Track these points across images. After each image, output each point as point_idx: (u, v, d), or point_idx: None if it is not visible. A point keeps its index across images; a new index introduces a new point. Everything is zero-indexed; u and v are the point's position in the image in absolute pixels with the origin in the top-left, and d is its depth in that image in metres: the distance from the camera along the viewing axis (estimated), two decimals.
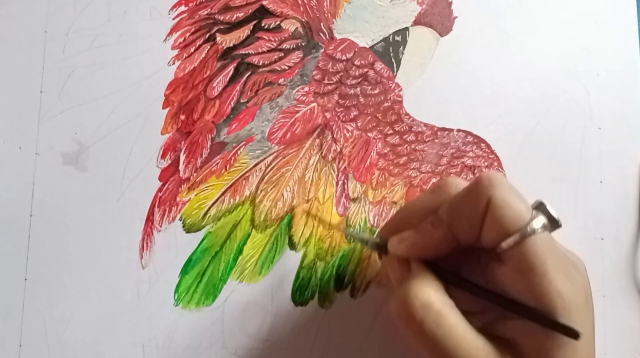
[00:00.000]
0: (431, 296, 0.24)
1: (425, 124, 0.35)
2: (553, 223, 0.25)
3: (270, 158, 0.34)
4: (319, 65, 0.35)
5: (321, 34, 0.35)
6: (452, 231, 0.25)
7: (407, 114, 0.35)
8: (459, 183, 0.27)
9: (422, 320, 0.23)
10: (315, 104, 0.35)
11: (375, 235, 0.32)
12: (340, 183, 0.34)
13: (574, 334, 0.22)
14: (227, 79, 0.34)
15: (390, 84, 0.35)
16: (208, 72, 0.34)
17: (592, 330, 0.25)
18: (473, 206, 0.24)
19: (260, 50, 0.34)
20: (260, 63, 0.34)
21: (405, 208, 0.30)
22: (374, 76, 0.35)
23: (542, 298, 0.23)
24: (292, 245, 0.33)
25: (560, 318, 0.23)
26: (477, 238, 0.25)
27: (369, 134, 0.35)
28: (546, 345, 0.23)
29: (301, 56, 0.35)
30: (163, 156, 0.33)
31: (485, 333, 0.25)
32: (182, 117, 0.33)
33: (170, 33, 0.34)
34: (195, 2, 0.35)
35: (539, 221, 0.24)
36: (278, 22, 0.35)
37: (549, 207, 0.25)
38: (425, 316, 0.23)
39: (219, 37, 0.34)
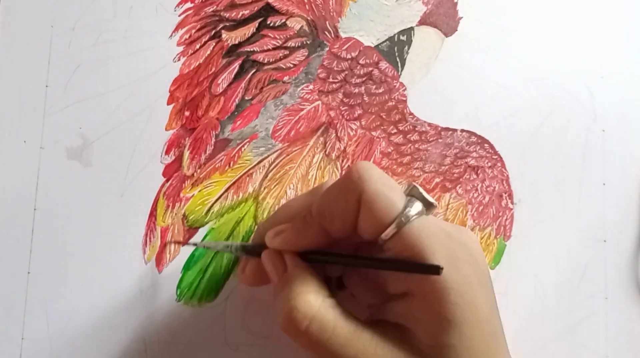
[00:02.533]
0: (310, 301, 0.24)
1: (429, 124, 0.35)
2: (428, 206, 0.24)
3: (274, 155, 0.34)
4: (324, 63, 0.35)
5: (326, 33, 0.35)
6: (324, 227, 0.25)
7: (411, 113, 0.35)
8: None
9: (307, 330, 0.23)
10: (319, 102, 0.35)
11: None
12: None
13: (435, 269, 0.23)
14: (232, 76, 0.34)
15: (395, 84, 0.35)
16: (213, 69, 0.34)
17: (490, 306, 0.24)
18: (343, 203, 0.24)
19: (265, 47, 0.35)
20: (265, 61, 0.34)
21: (284, 206, 0.29)
22: (379, 75, 0.35)
23: (423, 285, 0.23)
24: None
25: (446, 304, 0.23)
26: (352, 232, 0.25)
27: (373, 133, 0.35)
28: (434, 328, 0.23)
29: (306, 54, 0.35)
30: (167, 152, 0.33)
31: (376, 320, 0.25)
32: (187, 113, 0.34)
33: (176, 29, 0.34)
34: None
35: (414, 207, 0.24)
36: (283, 20, 0.35)
37: (421, 190, 0.25)
38: (309, 325, 0.23)
39: (224, 34, 0.34)
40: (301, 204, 0.27)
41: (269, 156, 0.34)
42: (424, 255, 0.23)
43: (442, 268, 0.23)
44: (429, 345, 0.23)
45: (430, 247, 0.23)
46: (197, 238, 0.33)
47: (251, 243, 0.30)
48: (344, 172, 0.34)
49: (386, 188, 0.24)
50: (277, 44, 0.35)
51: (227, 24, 0.35)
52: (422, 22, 0.36)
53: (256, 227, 0.29)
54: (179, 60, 0.34)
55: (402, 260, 0.24)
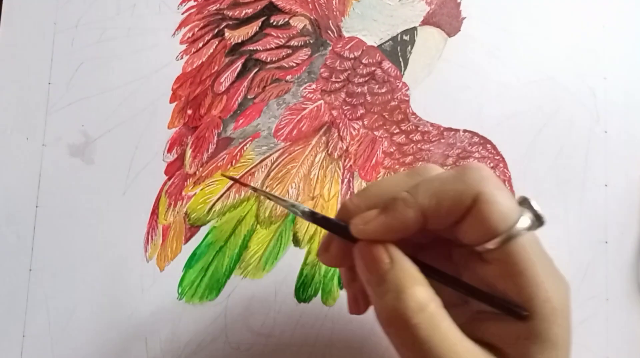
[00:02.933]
0: (427, 299, 0.22)
1: (432, 124, 0.35)
2: (539, 221, 0.23)
3: (276, 154, 0.34)
4: (327, 63, 0.35)
5: (329, 32, 0.35)
6: (423, 213, 0.23)
7: (413, 113, 0.35)
8: (439, 170, 0.25)
9: (417, 325, 0.21)
10: (322, 101, 0.35)
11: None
12: (345, 180, 0.34)
13: (521, 315, 0.22)
14: (235, 74, 0.34)
15: (398, 83, 0.35)
16: (216, 68, 0.34)
17: (570, 334, 0.24)
18: (457, 197, 0.22)
19: (268, 46, 0.35)
20: (268, 59, 0.34)
21: (373, 187, 0.26)
22: (382, 74, 0.35)
23: (529, 303, 0.22)
24: (297, 242, 0.33)
25: (546, 324, 0.22)
26: (447, 228, 0.23)
27: (376, 133, 0.35)
28: (530, 350, 0.22)
29: (309, 53, 0.35)
30: (169, 150, 0.33)
31: (475, 338, 0.23)
32: (189, 111, 0.34)
33: (179, 28, 0.34)
34: None
35: (525, 220, 0.22)
36: (287, 19, 0.35)
37: (533, 203, 0.23)
38: (421, 319, 0.21)
39: (227, 33, 0.34)
40: (394, 187, 0.24)
41: (271, 155, 0.34)
42: (533, 273, 0.22)
43: (526, 314, 0.22)
44: None
45: (539, 267, 0.22)
46: (199, 236, 0.33)
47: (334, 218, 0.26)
48: (345, 172, 0.34)
49: (504, 194, 0.22)
50: (280, 43, 0.35)
51: (230, 23, 0.35)
52: (425, 22, 0.36)
53: (341, 203, 0.27)
54: (181, 58, 0.34)
55: (510, 301, 0.23)
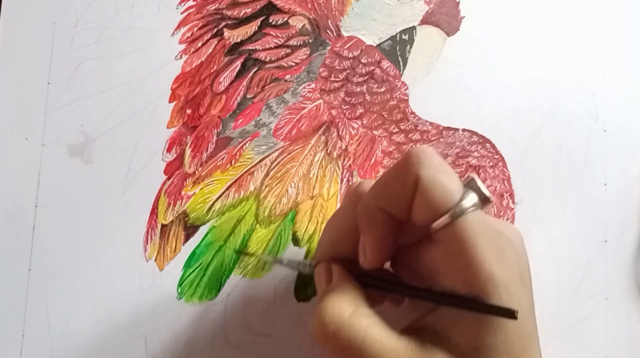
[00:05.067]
0: (342, 308, 0.23)
1: (431, 123, 0.35)
2: (484, 200, 0.24)
3: (276, 153, 0.34)
4: (326, 62, 0.35)
5: (328, 31, 0.35)
6: (384, 209, 0.24)
7: (412, 112, 0.35)
8: (372, 182, 0.26)
9: (334, 335, 0.23)
10: (321, 101, 0.35)
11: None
12: (345, 180, 0.34)
13: (510, 314, 0.22)
14: (234, 74, 0.34)
15: (397, 83, 0.35)
16: (215, 67, 0.34)
17: (530, 307, 0.24)
18: (401, 186, 0.23)
19: (267, 46, 0.35)
20: (267, 59, 0.34)
21: (328, 225, 0.28)
22: (381, 74, 0.35)
23: (471, 281, 0.22)
24: (296, 241, 0.33)
25: (490, 301, 0.22)
26: (409, 216, 0.24)
27: (375, 132, 0.35)
28: (475, 330, 0.22)
29: (308, 52, 0.35)
30: (169, 150, 0.33)
31: (412, 329, 0.24)
32: (189, 111, 0.34)
33: (178, 27, 0.34)
34: None
35: (470, 199, 0.23)
36: (286, 19, 0.35)
37: (479, 183, 0.24)
38: (337, 330, 0.23)
39: (226, 33, 0.34)
40: (346, 216, 0.26)
41: (270, 154, 0.34)
42: (474, 251, 0.22)
43: (517, 312, 0.21)
44: (470, 347, 0.22)
45: (481, 244, 0.22)
46: (198, 236, 0.33)
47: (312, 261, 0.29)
48: (344, 171, 0.34)
49: (444, 176, 0.23)
50: (279, 43, 0.35)
51: (229, 22, 0.35)
52: (424, 21, 0.36)
53: (317, 246, 0.29)
54: (180, 58, 0.34)
55: (472, 298, 0.23)
